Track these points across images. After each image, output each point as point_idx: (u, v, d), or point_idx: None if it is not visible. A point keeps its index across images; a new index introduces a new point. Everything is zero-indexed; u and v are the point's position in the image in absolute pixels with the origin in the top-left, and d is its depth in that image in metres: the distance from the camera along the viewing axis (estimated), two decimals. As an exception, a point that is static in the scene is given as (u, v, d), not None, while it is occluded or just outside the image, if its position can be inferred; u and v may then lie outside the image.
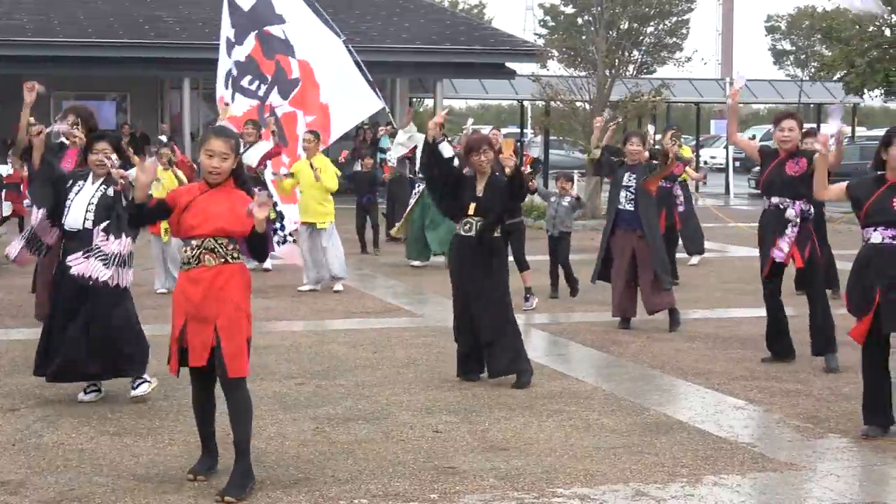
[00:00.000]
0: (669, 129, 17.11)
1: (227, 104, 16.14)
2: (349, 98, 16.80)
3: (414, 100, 43.57)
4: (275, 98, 16.65)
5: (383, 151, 27.21)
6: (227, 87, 16.64)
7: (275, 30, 16.74)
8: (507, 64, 33.03)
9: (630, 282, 12.77)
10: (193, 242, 7.00)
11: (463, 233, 10.08)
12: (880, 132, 49.61)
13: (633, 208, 12.61)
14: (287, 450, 7.96)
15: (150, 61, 29.79)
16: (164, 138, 25.18)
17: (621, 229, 12.72)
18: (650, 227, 12.68)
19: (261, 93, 16.71)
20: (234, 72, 16.61)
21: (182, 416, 8.66)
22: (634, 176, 12.65)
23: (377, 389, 9.81)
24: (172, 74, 31.85)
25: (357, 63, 16.93)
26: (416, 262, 17.88)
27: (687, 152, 17.71)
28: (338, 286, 15.42)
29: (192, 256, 7.01)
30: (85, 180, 9.12)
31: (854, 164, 36.41)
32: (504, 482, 7.31)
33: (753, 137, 54.74)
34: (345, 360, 10.98)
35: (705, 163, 48.77)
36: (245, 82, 16.72)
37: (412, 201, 18.05)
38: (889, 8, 30.09)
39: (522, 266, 14.16)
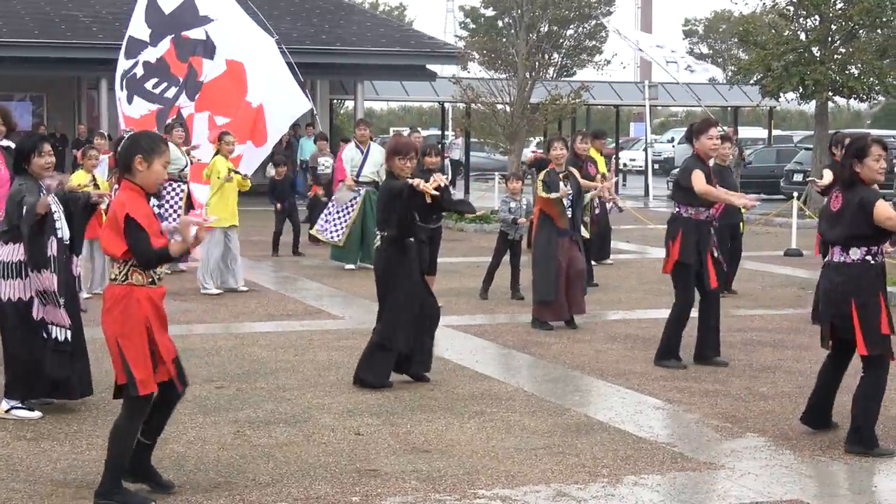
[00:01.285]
0: (580, 133, 17.28)
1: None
2: (282, 98, 16.73)
3: (335, 101, 43.45)
4: (183, 100, 16.52)
5: (306, 165, 27.15)
6: (122, 89, 16.41)
7: (194, 33, 16.59)
8: (428, 66, 33.08)
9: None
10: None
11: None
12: (799, 133, 50.19)
13: (570, 214, 12.94)
14: (207, 454, 7.89)
15: (67, 62, 29.43)
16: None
17: (566, 236, 12.91)
18: (579, 231, 13.20)
19: (168, 95, 16.53)
20: (139, 73, 16.38)
21: (100, 421, 8.56)
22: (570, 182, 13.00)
23: (298, 392, 9.76)
24: (90, 75, 31.49)
25: (289, 64, 16.87)
26: (351, 266, 17.79)
27: (595, 154, 17.76)
28: (244, 286, 15.43)
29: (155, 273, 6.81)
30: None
31: (770, 166, 36.97)
32: (426, 484, 7.30)
33: (672, 140, 55.37)
34: (265, 363, 10.91)
35: (625, 165, 49.16)
36: (150, 85, 16.54)
37: (355, 208, 17.78)
38: (805, 13, 30.50)
39: (434, 270, 14.12)
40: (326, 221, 18.02)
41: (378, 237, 10.10)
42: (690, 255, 10.78)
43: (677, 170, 11.79)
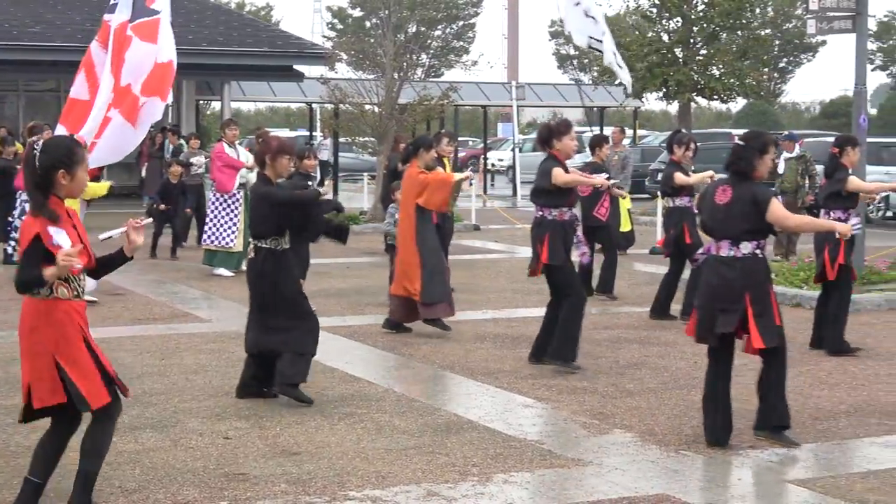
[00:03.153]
0: (446, 135, 17.21)
1: None
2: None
3: (201, 102, 42.97)
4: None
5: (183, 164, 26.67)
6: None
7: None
8: (296, 66, 32.89)
9: None
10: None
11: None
12: (663, 135, 51.02)
13: None
14: (72, 461, 7.72)
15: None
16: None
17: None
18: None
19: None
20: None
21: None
22: None
23: (165, 397, 9.64)
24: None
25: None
26: (227, 272, 17.59)
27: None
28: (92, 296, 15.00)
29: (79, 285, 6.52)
30: None
31: (637, 164, 37.49)
32: (295, 487, 7.26)
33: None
34: (131, 368, 10.75)
35: (493, 165, 49.45)
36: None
37: (241, 210, 17.56)
38: (668, 14, 31.02)
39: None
40: (213, 230, 17.66)
41: (251, 246, 9.64)
42: (559, 256, 10.88)
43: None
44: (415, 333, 12.65)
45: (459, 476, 7.54)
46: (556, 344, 10.90)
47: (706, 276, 8.46)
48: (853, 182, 11.76)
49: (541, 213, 10.99)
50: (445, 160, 16.08)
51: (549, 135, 10.96)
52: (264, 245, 9.50)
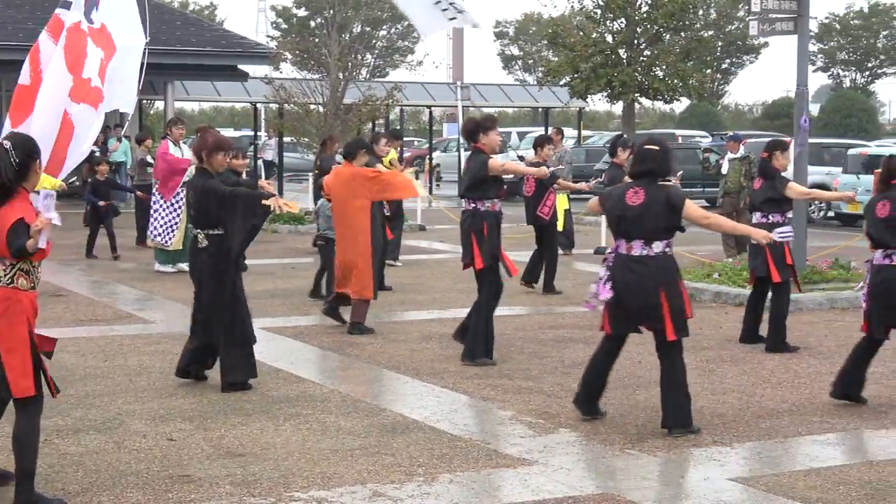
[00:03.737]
0: (384, 136, 17.19)
1: None
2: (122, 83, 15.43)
3: (144, 102, 42.69)
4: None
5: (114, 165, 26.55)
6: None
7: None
8: (240, 66, 32.73)
9: None
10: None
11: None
12: (607, 134, 51.33)
13: None
14: (13, 464, 7.65)
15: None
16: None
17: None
18: None
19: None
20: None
21: None
22: None
23: (108, 399, 9.56)
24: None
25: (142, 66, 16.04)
26: (171, 269, 17.48)
27: (393, 155, 17.73)
28: None
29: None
30: None
31: (580, 166, 37.64)
32: (240, 488, 7.23)
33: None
34: (74, 370, 10.66)
35: (437, 165, 49.45)
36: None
37: (183, 208, 17.43)
38: (612, 15, 31.17)
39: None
40: (154, 227, 17.55)
41: (201, 236, 9.86)
42: (496, 247, 11.12)
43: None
44: (361, 334, 12.61)
45: (405, 476, 7.54)
46: (469, 343, 11.24)
47: (618, 275, 8.69)
48: (794, 189, 11.93)
49: (473, 205, 11.18)
50: (384, 160, 16.08)
51: (475, 129, 11.19)
52: (213, 233, 9.78)
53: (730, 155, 20.49)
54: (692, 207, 8.62)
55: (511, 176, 15.90)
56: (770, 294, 12.11)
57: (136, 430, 8.59)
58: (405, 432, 8.61)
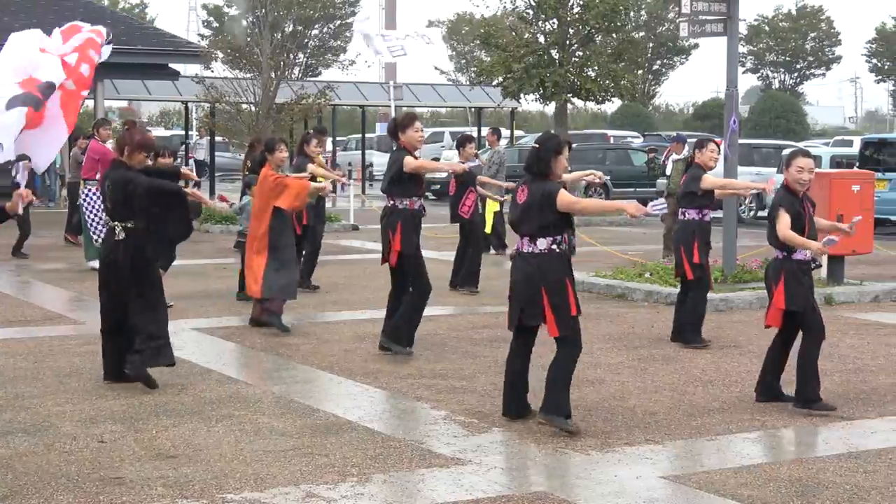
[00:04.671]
0: (315, 136, 16.90)
1: None
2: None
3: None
4: None
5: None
6: None
7: None
8: (171, 65, 32.50)
9: None
10: None
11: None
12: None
13: None
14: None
15: None
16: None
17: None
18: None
19: None
20: None
21: None
22: None
23: (38, 400, 9.45)
24: None
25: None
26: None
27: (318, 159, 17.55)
28: None
29: None
30: None
31: (513, 166, 37.77)
32: (172, 490, 7.18)
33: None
34: (3, 371, 10.53)
35: (370, 164, 49.36)
36: None
37: None
38: (544, 16, 31.27)
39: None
40: (96, 225, 17.29)
41: (119, 228, 9.81)
42: (411, 244, 11.29)
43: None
44: (293, 334, 12.58)
45: (339, 477, 7.52)
46: (394, 325, 11.37)
47: (513, 272, 8.89)
48: (707, 180, 12.13)
49: (392, 202, 11.39)
50: (318, 160, 15.98)
51: (394, 127, 11.49)
52: (130, 225, 9.80)
53: (674, 156, 20.58)
54: (564, 196, 8.64)
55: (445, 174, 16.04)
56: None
57: (66, 432, 8.50)
58: (339, 433, 8.59)
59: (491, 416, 9.12)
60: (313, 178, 13.73)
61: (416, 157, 11.31)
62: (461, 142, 16.95)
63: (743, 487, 7.43)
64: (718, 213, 14.25)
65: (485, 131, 27.70)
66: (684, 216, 12.24)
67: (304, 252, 15.41)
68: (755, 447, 8.50)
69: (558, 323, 8.62)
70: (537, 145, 8.85)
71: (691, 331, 12.16)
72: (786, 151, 28.97)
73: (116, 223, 9.84)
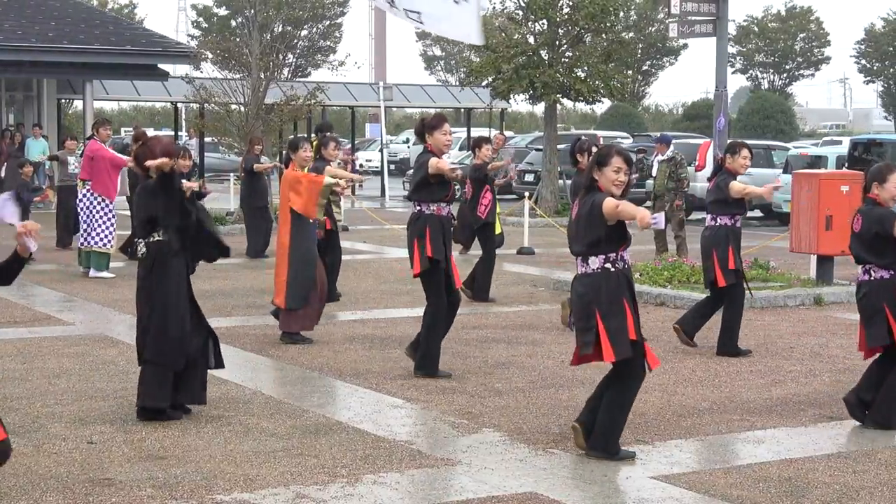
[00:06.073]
0: (332, 139, 16.84)
1: None
2: None
3: (63, 101, 42.17)
4: None
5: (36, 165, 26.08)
6: None
7: None
8: (160, 65, 32.47)
9: None
10: None
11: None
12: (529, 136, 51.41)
13: None
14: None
15: None
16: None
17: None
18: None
19: None
20: None
21: None
22: None
23: (27, 402, 9.43)
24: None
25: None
26: (108, 274, 17.27)
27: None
28: None
29: None
30: None
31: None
32: (162, 491, 7.16)
33: (407, 141, 56.00)
34: (-9, 373, 10.51)
35: (361, 165, 49.38)
36: None
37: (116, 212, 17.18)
38: (534, 17, 31.25)
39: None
40: (88, 230, 17.20)
41: (141, 244, 9.10)
42: (440, 251, 10.59)
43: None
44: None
45: (329, 478, 7.51)
46: (420, 355, 10.74)
47: (571, 293, 8.34)
48: (735, 187, 11.81)
49: (419, 207, 10.69)
50: (333, 164, 15.87)
51: (421, 129, 10.85)
52: (153, 240, 9.04)
53: (658, 157, 20.41)
54: (607, 203, 7.88)
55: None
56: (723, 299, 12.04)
57: (55, 433, 8.49)
58: (328, 433, 8.59)
59: (481, 417, 9.11)
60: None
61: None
62: (477, 143, 16.40)
63: (733, 487, 7.44)
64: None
65: (475, 133, 27.78)
66: (715, 222, 11.90)
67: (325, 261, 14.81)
68: (745, 447, 8.51)
69: (614, 347, 7.91)
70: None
71: (730, 340, 11.86)
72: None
73: (139, 240, 9.11)
